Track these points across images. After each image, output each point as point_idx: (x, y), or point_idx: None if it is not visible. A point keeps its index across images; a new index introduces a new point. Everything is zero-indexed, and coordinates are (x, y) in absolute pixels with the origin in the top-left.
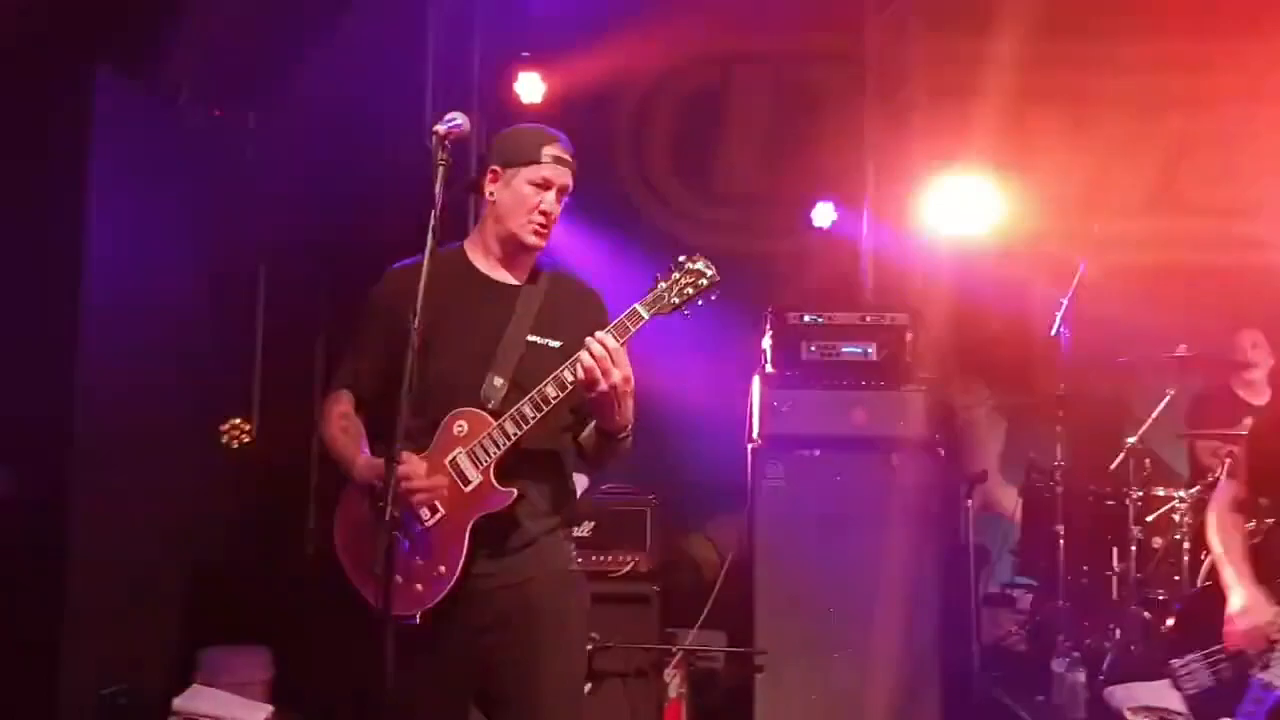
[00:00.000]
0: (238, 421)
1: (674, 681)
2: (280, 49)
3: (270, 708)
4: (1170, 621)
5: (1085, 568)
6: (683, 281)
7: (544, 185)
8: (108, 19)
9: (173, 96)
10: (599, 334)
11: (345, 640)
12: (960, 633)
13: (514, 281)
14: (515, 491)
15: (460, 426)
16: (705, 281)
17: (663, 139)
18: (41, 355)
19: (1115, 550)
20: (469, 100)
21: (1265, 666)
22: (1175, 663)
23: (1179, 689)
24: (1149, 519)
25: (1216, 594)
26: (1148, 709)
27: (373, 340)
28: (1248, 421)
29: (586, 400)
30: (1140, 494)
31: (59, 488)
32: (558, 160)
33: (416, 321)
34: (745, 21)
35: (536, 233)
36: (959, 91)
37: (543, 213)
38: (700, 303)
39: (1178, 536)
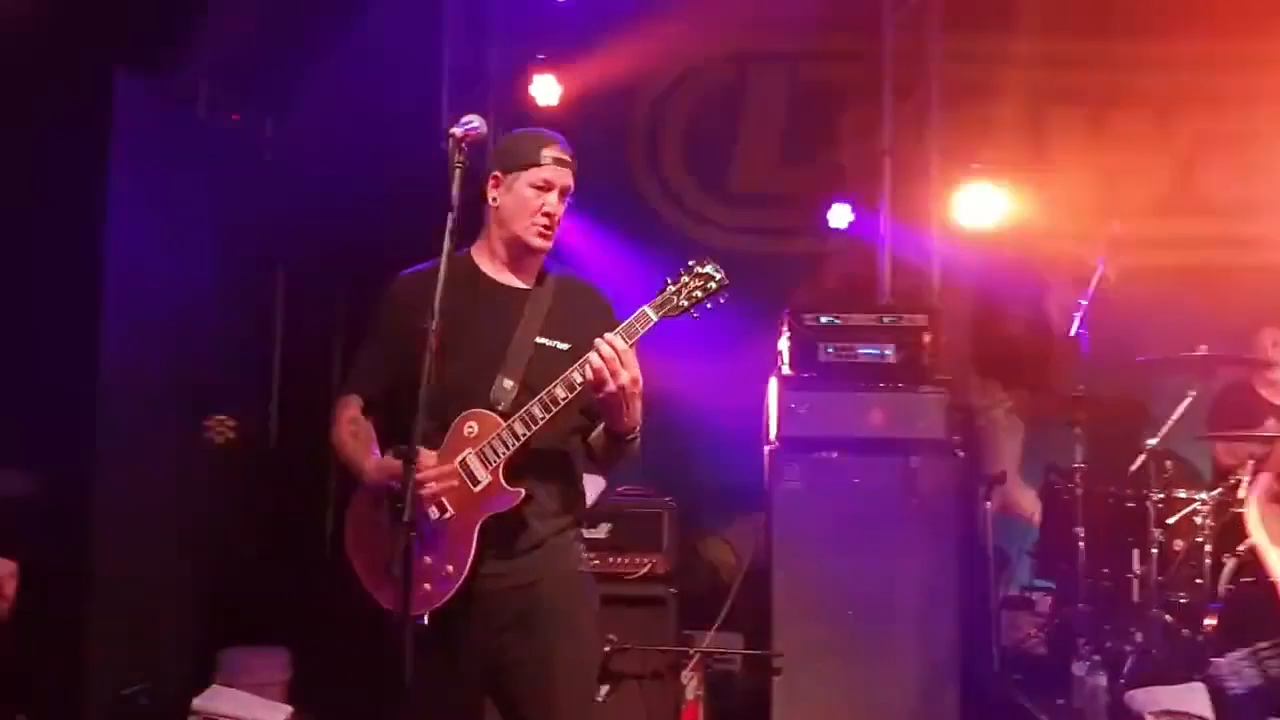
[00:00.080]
0: (222, 417)
1: (691, 684)
2: (297, 53)
3: (290, 708)
4: (1211, 621)
5: (1106, 570)
6: (691, 285)
7: (545, 187)
8: (126, 24)
9: (191, 101)
10: (608, 335)
11: (363, 641)
12: (979, 635)
13: (522, 285)
14: (523, 491)
15: (470, 428)
16: (714, 285)
17: (679, 140)
18: (63, 357)
19: (1136, 553)
20: (485, 103)
21: None
22: (1219, 662)
23: (1224, 688)
24: (1170, 521)
25: (1259, 592)
26: (1170, 713)
27: (382, 345)
28: (1271, 423)
29: (595, 401)
30: (1161, 496)
31: (81, 489)
32: (558, 161)
33: (435, 324)
34: (761, 21)
35: (541, 234)
36: (977, 91)
37: (545, 214)
38: (709, 305)
39: (1199, 539)
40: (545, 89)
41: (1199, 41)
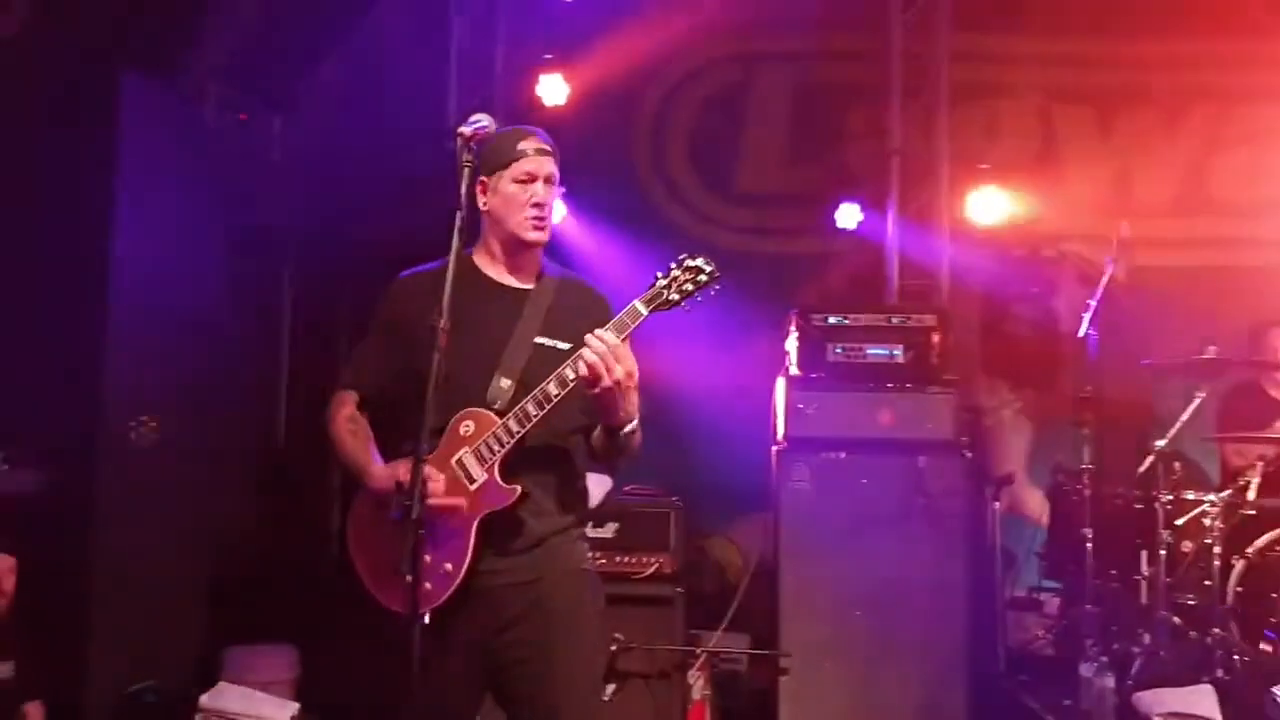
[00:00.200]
0: (144, 418)
1: (698, 683)
2: (304, 54)
3: (296, 705)
4: (1268, 648)
5: (1113, 572)
6: (682, 278)
7: (529, 179)
8: (134, 26)
9: (198, 102)
10: (598, 331)
11: (368, 639)
12: (987, 636)
13: (522, 285)
14: (519, 489)
15: (467, 426)
16: (704, 278)
17: (685, 139)
18: (68, 357)
19: (1144, 554)
20: (492, 102)
21: None
22: None
23: None
24: (1179, 523)
25: None
26: (1177, 715)
27: (380, 343)
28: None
29: (589, 397)
30: (1170, 497)
31: (86, 487)
32: (538, 151)
33: (445, 321)
34: (768, 20)
35: (535, 226)
36: (986, 91)
37: (536, 204)
38: (700, 299)
39: (1208, 541)
40: (552, 88)
41: (1209, 41)
